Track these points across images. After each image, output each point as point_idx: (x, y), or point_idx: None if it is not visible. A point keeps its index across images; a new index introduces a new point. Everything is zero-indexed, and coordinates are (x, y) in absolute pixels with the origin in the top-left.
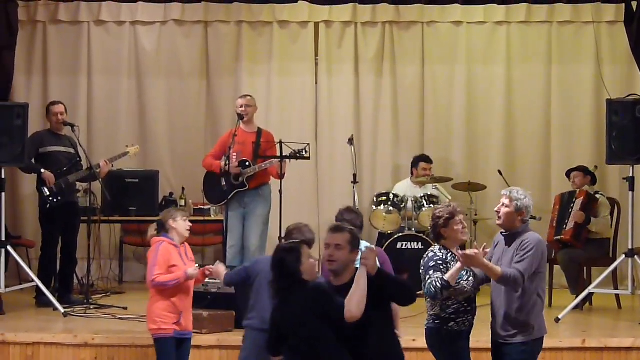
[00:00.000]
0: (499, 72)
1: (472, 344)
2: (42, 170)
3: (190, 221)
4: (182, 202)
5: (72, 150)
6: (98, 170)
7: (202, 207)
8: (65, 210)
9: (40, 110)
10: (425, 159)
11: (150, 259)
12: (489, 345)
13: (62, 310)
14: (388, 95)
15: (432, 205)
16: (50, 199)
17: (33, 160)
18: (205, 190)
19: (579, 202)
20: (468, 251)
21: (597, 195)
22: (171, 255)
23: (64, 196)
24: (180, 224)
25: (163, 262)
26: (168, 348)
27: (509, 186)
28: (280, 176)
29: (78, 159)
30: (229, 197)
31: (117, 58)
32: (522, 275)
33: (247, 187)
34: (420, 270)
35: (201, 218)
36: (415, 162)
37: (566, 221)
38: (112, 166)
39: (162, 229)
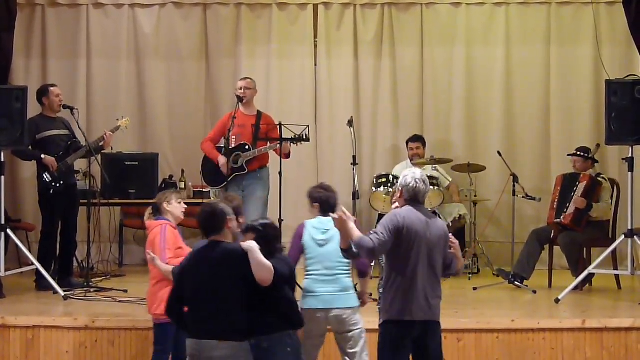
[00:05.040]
0: (498, 53)
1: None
2: (43, 156)
3: (190, 204)
4: (182, 185)
5: (67, 132)
6: (102, 143)
7: (202, 189)
8: (66, 193)
9: None
10: (413, 138)
11: (158, 242)
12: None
13: (62, 294)
14: (387, 77)
15: (431, 187)
16: (53, 184)
17: (30, 147)
18: (204, 173)
19: (581, 187)
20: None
21: (600, 179)
22: (177, 237)
23: (65, 180)
24: (175, 207)
25: (172, 245)
26: (168, 333)
27: (509, 167)
28: (286, 155)
29: (74, 139)
30: (228, 180)
31: (116, 40)
32: (373, 242)
33: (246, 171)
34: None
35: (201, 200)
36: (406, 143)
37: (567, 204)
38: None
39: (157, 212)
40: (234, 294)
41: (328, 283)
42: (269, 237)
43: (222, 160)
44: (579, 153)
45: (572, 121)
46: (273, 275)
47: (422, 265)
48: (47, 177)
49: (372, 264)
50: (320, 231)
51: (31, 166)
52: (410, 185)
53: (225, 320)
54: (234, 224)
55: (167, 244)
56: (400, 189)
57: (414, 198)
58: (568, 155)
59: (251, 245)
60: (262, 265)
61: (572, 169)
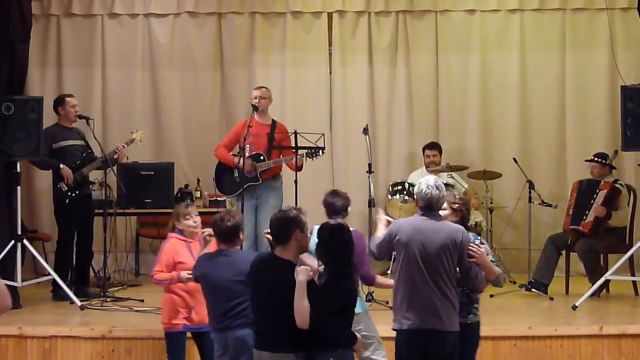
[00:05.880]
0: (513, 60)
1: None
2: (61, 166)
3: (206, 213)
4: (198, 194)
5: (82, 142)
6: (116, 156)
7: (218, 198)
8: (81, 203)
9: None
10: (429, 145)
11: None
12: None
13: (79, 304)
14: (402, 85)
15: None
16: (69, 193)
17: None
18: (218, 181)
19: (602, 195)
20: None
21: (617, 185)
22: (177, 252)
23: (80, 190)
24: (184, 224)
25: (165, 259)
26: (176, 343)
27: (525, 174)
28: (297, 168)
29: (89, 150)
30: (243, 188)
31: (131, 51)
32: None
33: (259, 182)
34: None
35: (216, 210)
36: (423, 150)
37: (586, 212)
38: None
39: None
40: (288, 310)
41: None
42: (333, 253)
43: (237, 160)
44: (596, 159)
45: (587, 127)
46: (308, 319)
47: (419, 274)
48: (62, 186)
49: (388, 272)
50: None
51: (47, 176)
52: (424, 192)
53: (278, 333)
54: (301, 235)
55: (162, 257)
56: (415, 197)
57: (428, 206)
58: (586, 161)
59: (299, 279)
60: (297, 308)
61: (588, 175)
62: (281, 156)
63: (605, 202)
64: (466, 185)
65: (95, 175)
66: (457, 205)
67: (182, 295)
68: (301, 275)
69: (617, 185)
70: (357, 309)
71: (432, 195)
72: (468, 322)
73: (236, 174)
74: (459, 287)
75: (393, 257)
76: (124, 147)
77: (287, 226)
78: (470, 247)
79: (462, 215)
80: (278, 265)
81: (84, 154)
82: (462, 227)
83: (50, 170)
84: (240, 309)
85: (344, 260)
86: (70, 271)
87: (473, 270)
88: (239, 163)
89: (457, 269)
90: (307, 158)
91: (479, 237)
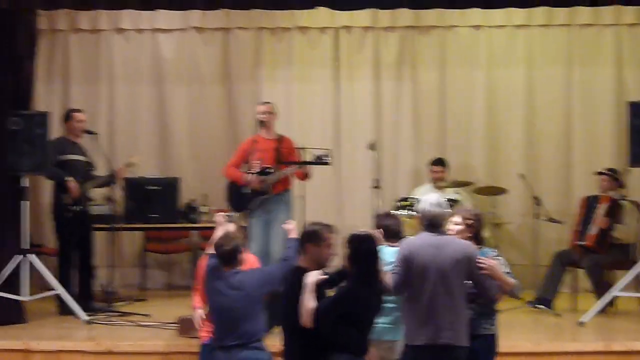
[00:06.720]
0: (519, 75)
1: None
2: (69, 179)
3: (212, 228)
4: (204, 209)
5: (85, 158)
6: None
7: (224, 214)
8: (81, 219)
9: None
10: (436, 161)
11: None
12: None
13: (85, 318)
14: (408, 100)
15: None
16: (73, 207)
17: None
18: (230, 199)
19: (603, 208)
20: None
21: (622, 201)
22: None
23: (82, 205)
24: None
25: (198, 277)
26: (202, 354)
27: (531, 190)
28: (307, 176)
29: (90, 167)
30: (257, 204)
31: (138, 66)
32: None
33: (271, 194)
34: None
35: None
36: (429, 166)
37: (590, 226)
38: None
39: None
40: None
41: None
42: (356, 261)
43: (248, 176)
44: (607, 172)
45: (594, 143)
46: (311, 319)
47: (434, 289)
48: (66, 199)
49: None
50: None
51: (52, 190)
52: (426, 210)
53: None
54: (314, 249)
55: (197, 274)
56: (418, 216)
57: (431, 223)
58: (597, 173)
59: (308, 280)
60: (302, 307)
61: (594, 190)
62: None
63: (607, 214)
64: (471, 202)
65: (101, 190)
66: (471, 221)
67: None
68: (310, 277)
69: (616, 198)
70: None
71: (434, 213)
72: (485, 333)
73: (247, 190)
74: (474, 300)
75: None
76: (123, 168)
77: (303, 238)
78: (479, 260)
79: (475, 231)
80: (291, 270)
81: (87, 170)
82: (469, 242)
83: (53, 184)
84: (244, 329)
85: (364, 269)
86: (75, 286)
87: (487, 282)
88: (248, 179)
89: (472, 282)
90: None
91: (495, 250)
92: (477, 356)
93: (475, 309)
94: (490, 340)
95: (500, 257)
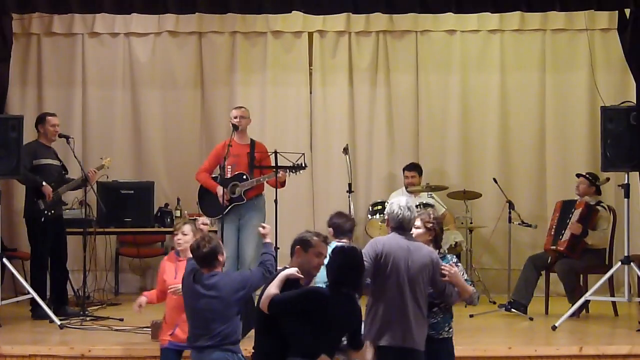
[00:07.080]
0: (493, 80)
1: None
2: (44, 184)
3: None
4: (178, 213)
5: (59, 163)
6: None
7: (197, 217)
8: (55, 223)
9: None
10: (409, 167)
11: None
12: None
13: (58, 323)
14: (382, 105)
15: None
16: (46, 212)
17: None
18: (201, 203)
19: (577, 213)
20: None
21: (598, 207)
22: (164, 270)
23: (55, 209)
24: (174, 240)
25: (159, 278)
26: (163, 357)
27: (504, 194)
28: (282, 184)
29: (64, 171)
30: (227, 210)
31: (112, 69)
32: None
33: (244, 201)
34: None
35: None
36: (403, 171)
37: (563, 231)
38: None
39: None
40: None
41: None
42: (339, 274)
43: (219, 190)
44: (586, 175)
45: (567, 147)
46: (267, 305)
47: (402, 291)
48: (41, 204)
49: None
50: None
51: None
52: (395, 212)
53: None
54: (301, 253)
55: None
56: (386, 217)
57: (399, 226)
58: (576, 175)
59: (282, 272)
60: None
61: (568, 195)
62: (261, 174)
63: (581, 220)
64: (445, 207)
65: (75, 194)
66: (431, 224)
67: (169, 312)
68: (287, 271)
69: (593, 204)
70: None
71: (403, 216)
72: (446, 337)
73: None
74: (435, 304)
75: None
76: (94, 172)
77: (293, 244)
78: (442, 267)
79: (435, 235)
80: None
81: (60, 174)
82: (432, 249)
83: (25, 188)
84: (218, 331)
85: (341, 280)
86: (48, 290)
87: (448, 288)
88: (220, 192)
89: (431, 287)
90: (290, 173)
91: (455, 257)
92: (439, 359)
93: (437, 313)
94: (450, 344)
95: (459, 265)
